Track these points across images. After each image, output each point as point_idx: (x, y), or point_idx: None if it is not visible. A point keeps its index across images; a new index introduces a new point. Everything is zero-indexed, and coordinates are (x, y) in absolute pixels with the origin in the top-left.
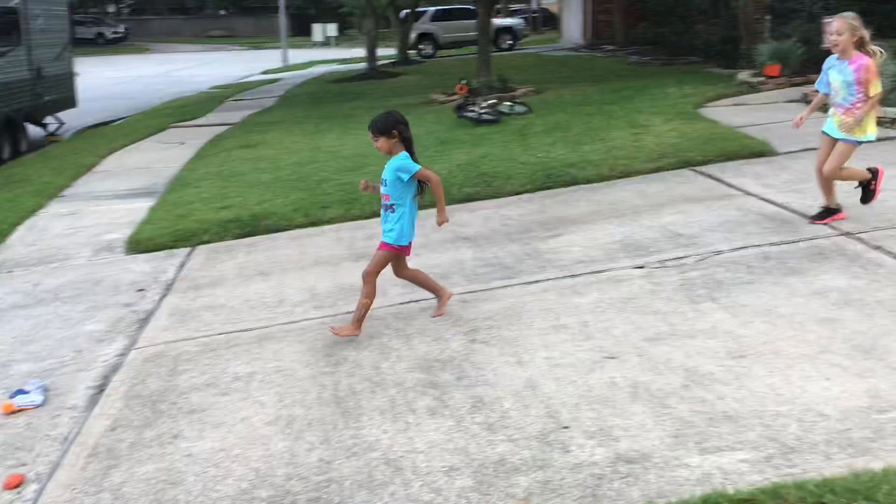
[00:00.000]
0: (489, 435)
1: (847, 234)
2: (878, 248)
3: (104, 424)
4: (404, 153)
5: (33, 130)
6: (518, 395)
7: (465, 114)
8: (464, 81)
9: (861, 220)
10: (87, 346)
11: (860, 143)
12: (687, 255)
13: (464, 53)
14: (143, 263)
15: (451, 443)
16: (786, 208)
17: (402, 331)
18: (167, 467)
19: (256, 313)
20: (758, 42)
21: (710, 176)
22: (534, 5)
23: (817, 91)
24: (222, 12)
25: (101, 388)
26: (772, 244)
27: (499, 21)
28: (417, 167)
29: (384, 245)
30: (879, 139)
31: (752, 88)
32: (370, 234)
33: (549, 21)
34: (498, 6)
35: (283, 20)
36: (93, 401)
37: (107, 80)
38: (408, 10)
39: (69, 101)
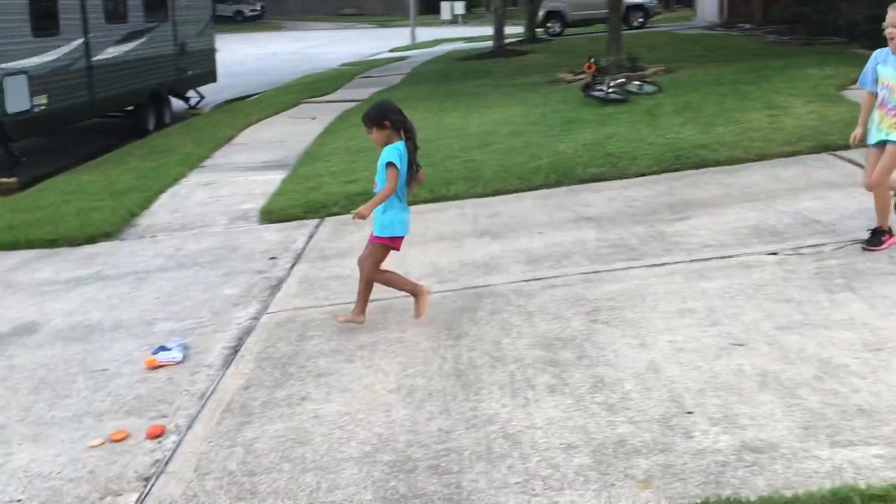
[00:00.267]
0: (609, 415)
1: None
2: None
3: (238, 383)
4: (394, 144)
5: (176, 104)
6: (640, 377)
7: (592, 93)
8: (592, 60)
9: None
10: (224, 308)
11: None
12: (824, 242)
13: (592, 31)
14: (275, 233)
15: (570, 421)
16: None
17: (523, 308)
18: (295, 427)
19: (381, 285)
20: None
21: (851, 161)
22: None
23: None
24: None
25: (235, 349)
26: None
27: None
28: (390, 158)
29: (372, 236)
30: None
31: None
32: (493, 212)
33: None
34: None
35: None
36: (228, 360)
37: (243, 57)
38: None
39: (210, 76)
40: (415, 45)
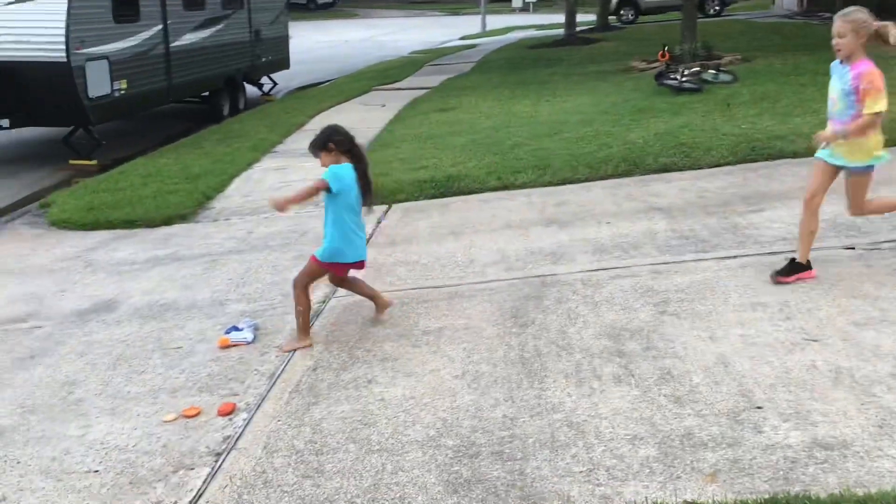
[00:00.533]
0: (676, 408)
1: None
2: None
3: (306, 364)
4: (339, 164)
5: (250, 90)
6: (709, 370)
7: (665, 82)
8: (666, 48)
9: None
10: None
11: (871, 167)
12: None
13: (667, 19)
14: None
15: (636, 412)
16: None
17: (590, 298)
18: (361, 409)
19: (447, 271)
20: None
21: None
22: None
23: None
24: None
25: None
26: None
27: None
28: (325, 175)
29: (312, 256)
30: None
31: None
32: (561, 201)
33: None
34: None
35: None
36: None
37: (316, 44)
38: None
39: (283, 63)
40: (485, 33)
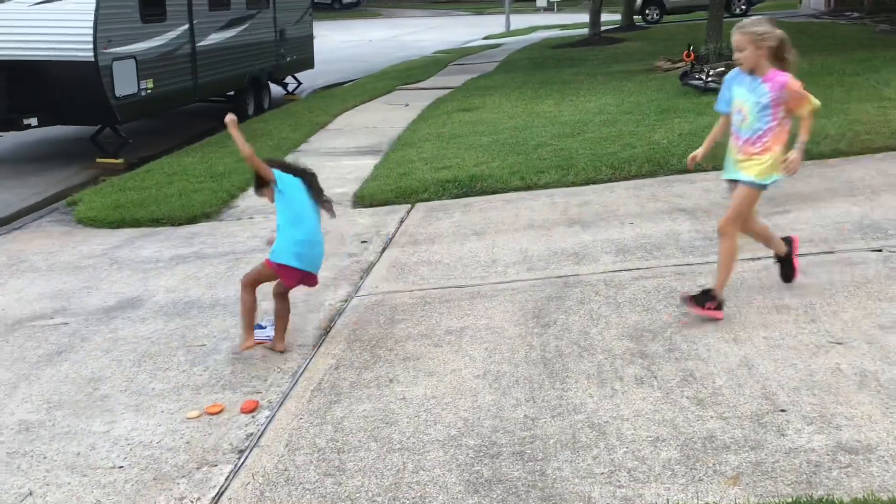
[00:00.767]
0: (699, 410)
1: None
2: None
3: (329, 363)
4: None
5: (275, 89)
6: (732, 372)
7: (690, 81)
8: (691, 48)
9: None
10: (316, 290)
11: (765, 186)
12: None
13: (692, 19)
14: (367, 217)
15: (658, 414)
16: None
17: (613, 298)
18: (383, 408)
19: (469, 271)
20: None
21: None
22: None
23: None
24: None
25: (326, 330)
26: None
27: None
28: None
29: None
30: None
31: None
32: (584, 201)
33: None
34: None
35: None
36: (319, 340)
37: (340, 44)
38: None
39: (307, 63)
40: (509, 33)
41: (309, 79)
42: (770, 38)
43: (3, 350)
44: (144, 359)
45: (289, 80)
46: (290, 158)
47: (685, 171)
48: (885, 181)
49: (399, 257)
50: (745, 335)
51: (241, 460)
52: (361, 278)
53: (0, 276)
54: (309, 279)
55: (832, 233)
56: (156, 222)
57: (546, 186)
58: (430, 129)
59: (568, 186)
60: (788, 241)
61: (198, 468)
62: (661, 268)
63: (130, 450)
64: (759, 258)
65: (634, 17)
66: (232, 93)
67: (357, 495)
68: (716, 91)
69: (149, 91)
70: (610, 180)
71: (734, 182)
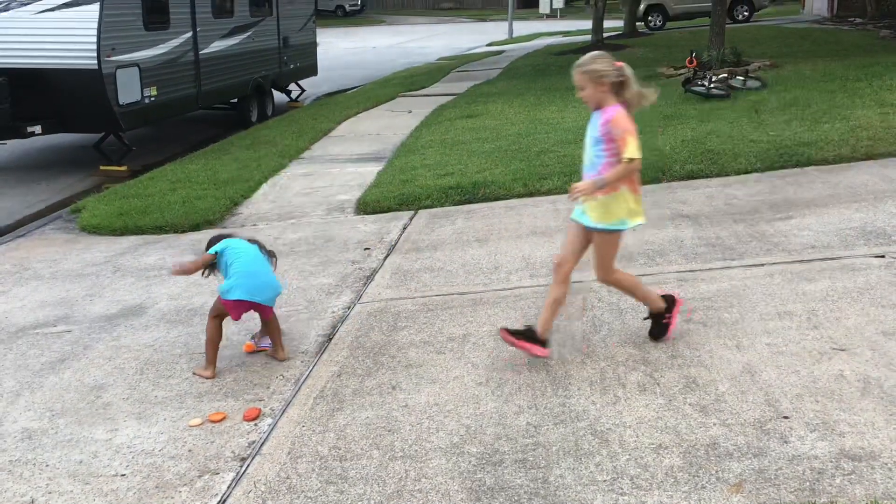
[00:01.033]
0: (702, 417)
1: None
2: None
3: (331, 370)
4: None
5: (278, 96)
6: (735, 379)
7: (693, 88)
8: (694, 54)
9: None
10: (319, 297)
11: (616, 230)
12: None
13: (695, 25)
14: (370, 224)
15: (661, 421)
16: None
17: (616, 305)
18: (385, 415)
19: (472, 278)
20: None
21: None
22: None
23: None
24: None
25: (329, 337)
26: None
27: None
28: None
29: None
30: None
31: None
32: None
33: None
34: None
35: None
36: (321, 347)
37: (343, 51)
38: None
39: (311, 70)
40: (512, 40)
41: (312, 86)
42: (608, 74)
43: (6, 358)
44: (147, 366)
45: (292, 87)
46: (294, 166)
47: (688, 177)
48: (888, 187)
49: (402, 264)
50: (748, 342)
51: (244, 468)
52: (364, 285)
53: (4, 284)
54: (259, 309)
55: (835, 238)
56: (159, 230)
57: (549, 193)
58: (433, 135)
59: None
60: (671, 299)
61: (200, 476)
62: (663, 274)
63: (132, 458)
64: (761, 265)
65: (637, 23)
66: (235, 100)
67: (359, 503)
68: (719, 97)
69: (152, 98)
70: None
71: (580, 225)
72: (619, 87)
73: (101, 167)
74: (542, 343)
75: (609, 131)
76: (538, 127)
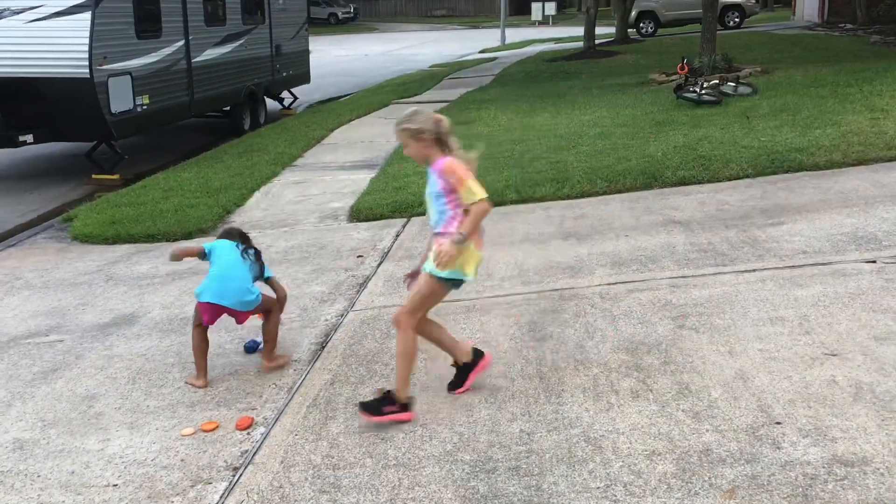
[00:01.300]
0: (695, 423)
1: None
2: None
3: (324, 378)
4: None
5: (271, 104)
6: (727, 385)
7: (684, 94)
8: (685, 61)
9: None
10: (312, 305)
11: (444, 280)
12: None
13: (686, 31)
14: (363, 231)
15: (654, 427)
16: None
17: (608, 311)
18: (378, 423)
19: (464, 285)
20: None
21: None
22: None
23: None
24: None
25: (322, 345)
26: None
27: None
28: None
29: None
30: None
31: None
32: (579, 214)
33: None
34: None
35: None
36: (315, 356)
37: (336, 58)
38: None
39: (304, 77)
40: (505, 46)
41: (305, 93)
42: (427, 130)
43: None
44: (139, 376)
45: (285, 94)
46: (286, 173)
47: (680, 183)
48: (879, 192)
49: (395, 271)
50: (741, 347)
51: (236, 478)
52: (357, 293)
53: None
54: (232, 314)
55: (826, 244)
56: (152, 238)
57: (541, 199)
58: None
59: (563, 199)
60: (479, 354)
61: (192, 486)
62: (656, 280)
63: (125, 468)
64: (753, 270)
65: (629, 30)
66: (228, 108)
67: None
68: (710, 103)
69: (144, 107)
70: (605, 193)
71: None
72: (441, 142)
73: (94, 176)
74: (407, 407)
75: (446, 182)
76: (531, 133)
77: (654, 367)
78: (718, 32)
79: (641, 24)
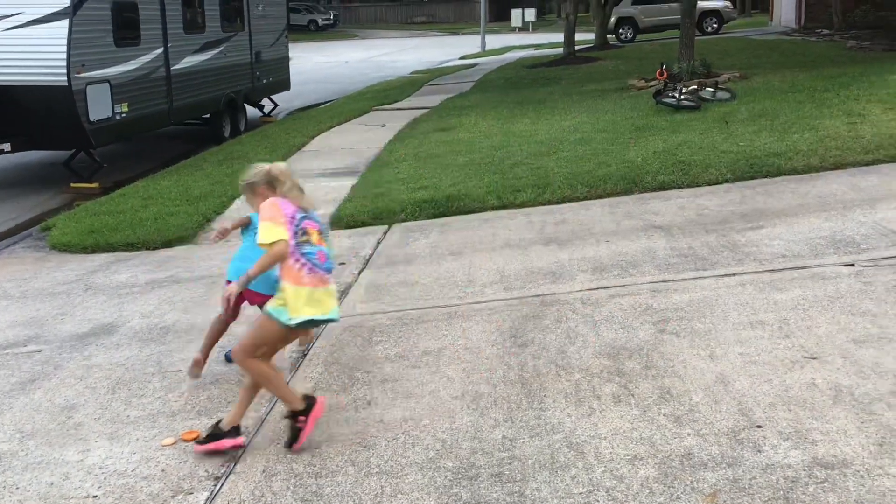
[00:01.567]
0: (676, 427)
1: None
2: None
3: (306, 387)
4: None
5: (251, 111)
6: (708, 389)
7: (663, 100)
8: (664, 66)
9: None
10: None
11: (276, 320)
12: None
13: (665, 37)
14: (344, 238)
15: (636, 432)
16: None
17: (590, 317)
18: (361, 431)
19: (447, 291)
20: None
21: None
22: None
23: None
24: None
25: (304, 353)
26: None
27: (704, 3)
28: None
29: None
30: None
31: None
32: (560, 220)
33: (758, 3)
34: None
35: (482, 6)
36: (297, 364)
37: (316, 65)
38: None
39: (284, 84)
40: (485, 53)
41: (285, 100)
42: (258, 182)
43: None
44: (119, 386)
45: (265, 101)
46: None
47: (660, 188)
48: (856, 196)
49: (376, 278)
50: (721, 351)
51: (217, 487)
52: (339, 300)
53: None
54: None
55: (805, 248)
56: (131, 247)
57: (523, 205)
58: (406, 149)
59: (544, 205)
60: (312, 400)
61: (173, 496)
62: (637, 285)
63: (105, 479)
64: (733, 274)
65: (608, 36)
66: (208, 115)
67: None
68: (689, 108)
69: (123, 115)
70: (586, 198)
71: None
72: (272, 187)
73: (72, 184)
74: (237, 433)
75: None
76: (511, 140)
77: (635, 372)
78: (697, 38)
79: (621, 30)
